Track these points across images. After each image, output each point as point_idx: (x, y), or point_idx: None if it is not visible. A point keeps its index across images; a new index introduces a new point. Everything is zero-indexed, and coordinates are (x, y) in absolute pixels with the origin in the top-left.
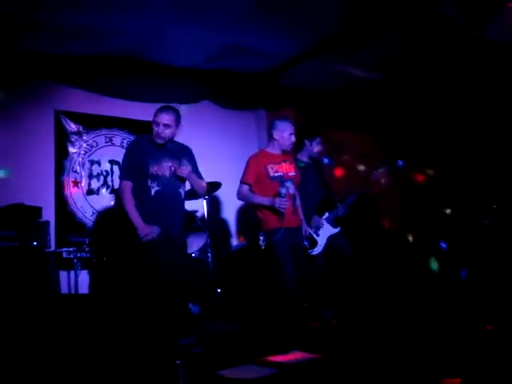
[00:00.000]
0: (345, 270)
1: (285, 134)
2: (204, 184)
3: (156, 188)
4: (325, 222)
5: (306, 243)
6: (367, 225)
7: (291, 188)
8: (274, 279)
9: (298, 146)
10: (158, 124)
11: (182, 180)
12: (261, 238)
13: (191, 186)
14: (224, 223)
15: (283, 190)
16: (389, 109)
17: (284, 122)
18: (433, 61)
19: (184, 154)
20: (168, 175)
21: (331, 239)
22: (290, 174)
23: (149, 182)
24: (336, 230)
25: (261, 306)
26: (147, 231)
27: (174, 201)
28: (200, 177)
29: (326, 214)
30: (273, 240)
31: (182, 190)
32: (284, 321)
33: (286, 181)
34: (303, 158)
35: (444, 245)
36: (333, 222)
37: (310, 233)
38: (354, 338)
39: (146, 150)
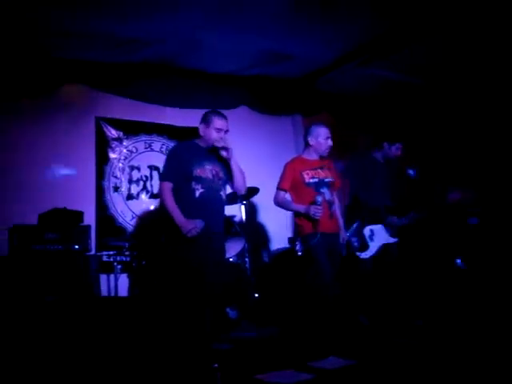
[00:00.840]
0: (390, 279)
1: (320, 138)
2: (244, 184)
3: (200, 190)
4: (382, 229)
5: (356, 244)
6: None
7: (327, 194)
8: (312, 284)
9: (375, 145)
10: (220, 130)
11: (229, 173)
12: (297, 243)
13: (233, 171)
14: (262, 228)
15: (319, 198)
16: (423, 114)
17: (319, 127)
18: (469, 64)
19: (223, 157)
20: (211, 177)
21: (385, 247)
22: (326, 179)
23: (193, 184)
24: (393, 240)
25: (299, 310)
26: (190, 226)
27: (217, 202)
28: None
29: (394, 218)
30: (310, 244)
31: (223, 193)
32: (322, 326)
33: (321, 187)
34: (378, 157)
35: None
36: (393, 231)
37: (362, 235)
38: (391, 344)
39: (189, 153)
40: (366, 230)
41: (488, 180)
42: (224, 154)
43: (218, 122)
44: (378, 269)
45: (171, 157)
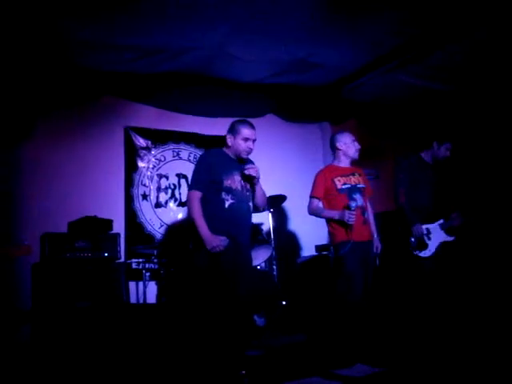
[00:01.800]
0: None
1: (348, 140)
2: (265, 200)
3: (230, 201)
4: (437, 228)
5: (414, 244)
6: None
7: (360, 200)
8: (341, 292)
9: (424, 144)
10: (248, 140)
11: (252, 186)
12: (331, 251)
13: (256, 192)
14: (289, 236)
15: (353, 204)
16: (452, 121)
17: (343, 133)
18: (498, 70)
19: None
20: (240, 188)
21: (445, 246)
22: (358, 185)
23: (223, 194)
24: (451, 238)
25: (326, 318)
26: (215, 243)
27: (245, 214)
28: None
29: (441, 221)
30: (341, 253)
31: (251, 204)
32: (349, 334)
33: (354, 193)
34: (426, 157)
35: None
36: (448, 230)
37: (421, 235)
38: (419, 352)
39: (219, 163)
40: (422, 229)
41: None
42: (252, 173)
43: (245, 132)
44: (440, 268)
45: (200, 165)
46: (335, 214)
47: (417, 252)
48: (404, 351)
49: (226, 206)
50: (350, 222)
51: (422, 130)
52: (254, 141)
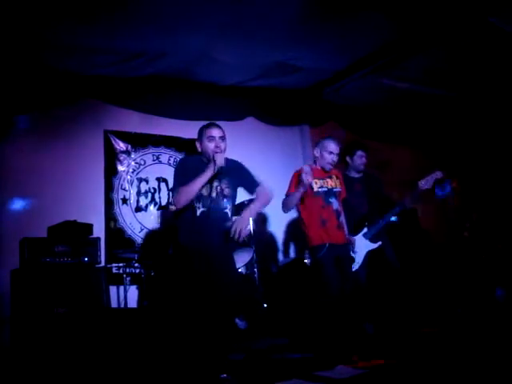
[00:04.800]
0: (391, 281)
1: (324, 152)
2: (267, 195)
3: (202, 209)
4: (361, 238)
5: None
6: (412, 237)
7: (335, 203)
8: (319, 295)
9: (344, 164)
10: (212, 138)
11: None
12: (306, 254)
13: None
14: (270, 238)
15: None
16: (435, 122)
17: (328, 141)
18: (479, 73)
19: (233, 171)
20: (215, 195)
21: (372, 254)
22: (334, 189)
23: (194, 202)
24: (375, 245)
25: (307, 321)
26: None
27: (219, 221)
28: (256, 184)
29: (365, 230)
30: (318, 256)
31: (228, 210)
32: (330, 336)
33: (330, 197)
34: (351, 173)
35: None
36: (373, 237)
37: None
38: (400, 353)
39: (193, 169)
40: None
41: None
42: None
43: (207, 131)
44: (379, 275)
45: (177, 170)
46: (299, 188)
47: None
48: (386, 352)
49: (198, 213)
50: (306, 180)
51: (401, 131)
52: (221, 138)
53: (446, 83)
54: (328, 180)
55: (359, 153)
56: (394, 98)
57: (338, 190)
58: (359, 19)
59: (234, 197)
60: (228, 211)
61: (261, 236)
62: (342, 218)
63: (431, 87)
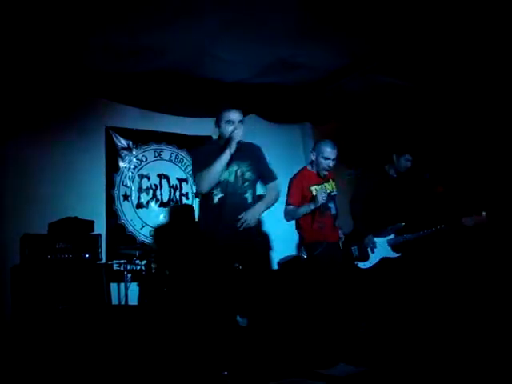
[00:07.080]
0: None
1: (320, 157)
2: (276, 196)
3: (220, 195)
4: (384, 243)
5: (356, 253)
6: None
7: (333, 208)
8: (317, 292)
9: (386, 157)
10: (231, 122)
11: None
12: (302, 251)
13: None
14: (270, 235)
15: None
16: (433, 121)
17: (325, 146)
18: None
19: (252, 155)
20: (233, 180)
21: (385, 261)
22: (332, 193)
23: (213, 188)
24: (394, 255)
25: (306, 319)
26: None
27: (239, 208)
28: (272, 178)
29: (392, 236)
30: (315, 254)
31: (249, 195)
32: (329, 334)
33: (329, 202)
34: (390, 170)
35: None
36: (395, 246)
37: (365, 244)
38: (399, 351)
39: (211, 154)
40: (373, 241)
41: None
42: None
43: (227, 115)
44: (375, 280)
45: (196, 158)
46: (310, 205)
47: (356, 262)
48: (386, 351)
49: (215, 201)
50: (322, 200)
51: (404, 131)
52: (240, 122)
53: (446, 81)
54: (326, 185)
55: (407, 156)
56: (393, 98)
57: (335, 193)
58: (357, 20)
59: (255, 181)
60: (248, 196)
61: (261, 233)
62: (338, 222)
63: (431, 85)
